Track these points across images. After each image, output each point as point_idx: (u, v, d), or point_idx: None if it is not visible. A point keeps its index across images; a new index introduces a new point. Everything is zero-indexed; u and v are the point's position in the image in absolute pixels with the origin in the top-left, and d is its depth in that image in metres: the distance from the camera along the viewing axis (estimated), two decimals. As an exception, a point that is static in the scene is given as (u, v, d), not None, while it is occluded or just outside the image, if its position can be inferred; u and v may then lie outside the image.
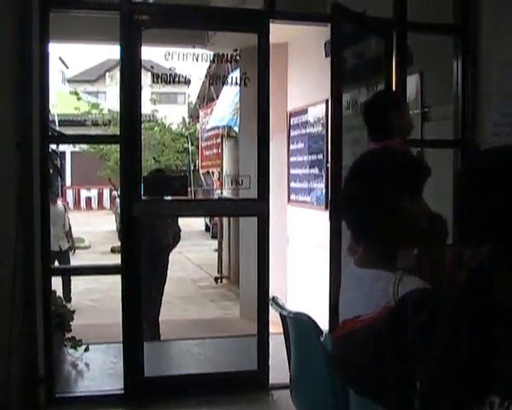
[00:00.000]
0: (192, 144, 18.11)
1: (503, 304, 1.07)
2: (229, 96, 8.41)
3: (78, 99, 19.63)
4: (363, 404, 1.68)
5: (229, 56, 4.48)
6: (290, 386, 2.37)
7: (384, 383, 1.21)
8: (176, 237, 6.15)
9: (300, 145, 6.85)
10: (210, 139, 11.47)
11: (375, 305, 1.51)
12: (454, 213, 1.17)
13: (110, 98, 19.31)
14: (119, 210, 5.22)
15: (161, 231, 5.82)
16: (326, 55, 5.29)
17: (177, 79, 4.48)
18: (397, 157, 1.99)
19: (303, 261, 6.66)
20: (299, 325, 2.20)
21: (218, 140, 10.68)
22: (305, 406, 2.30)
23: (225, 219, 10.04)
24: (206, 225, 17.57)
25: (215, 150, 11.04)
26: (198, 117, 14.24)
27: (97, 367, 4.84)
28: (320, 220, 5.55)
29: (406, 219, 1.84)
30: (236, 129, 8.85)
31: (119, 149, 4.24)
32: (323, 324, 2.08)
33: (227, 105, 8.71)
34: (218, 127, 10.24)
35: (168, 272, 6.13)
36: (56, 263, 7.34)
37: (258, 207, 4.38)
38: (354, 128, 5.76)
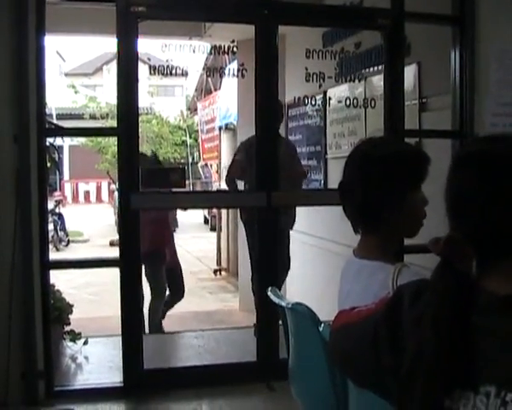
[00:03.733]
0: (190, 137, 18.12)
1: (488, 293, 1.08)
2: (233, 90, 8.30)
3: (76, 92, 19.62)
4: (362, 394, 1.68)
5: (226, 48, 4.47)
6: (289, 377, 2.37)
7: (381, 375, 1.21)
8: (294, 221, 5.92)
9: (298, 137, 6.84)
10: (210, 132, 11.47)
11: (373, 296, 1.50)
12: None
13: (107, 91, 19.26)
14: (117, 203, 5.20)
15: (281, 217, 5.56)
16: (324, 47, 5.28)
17: (174, 71, 4.46)
18: (396, 146, 1.98)
19: (302, 253, 6.66)
20: (297, 316, 2.19)
21: (217, 132, 10.68)
22: (304, 396, 2.30)
23: (224, 212, 10.03)
24: (205, 218, 17.56)
25: (215, 142, 11.04)
26: (196, 109, 14.23)
27: (96, 360, 4.84)
28: (318, 212, 5.55)
29: (406, 209, 1.83)
30: (235, 121, 8.82)
31: (116, 142, 4.24)
32: (322, 314, 2.07)
33: (231, 99, 8.60)
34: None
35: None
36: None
37: (257, 198, 4.37)
38: (351, 119, 5.77)
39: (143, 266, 5.49)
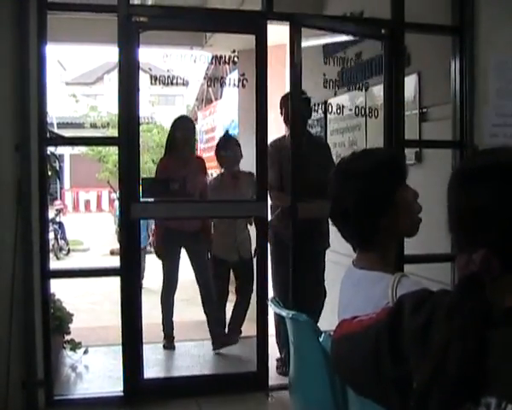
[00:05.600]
0: (190, 146, 18.06)
1: (497, 306, 1.07)
2: (234, 100, 8.28)
3: (77, 101, 19.62)
4: (362, 404, 1.68)
5: (227, 58, 4.48)
6: (289, 386, 2.37)
7: (383, 385, 1.21)
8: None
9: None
10: (209, 141, 11.46)
11: (374, 307, 1.51)
12: (448, 217, 1.17)
13: (108, 100, 19.27)
14: (117, 212, 5.19)
15: (317, 235, 5.19)
16: (324, 57, 5.30)
17: (175, 81, 4.47)
18: (376, 155, 2.00)
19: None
20: (297, 326, 2.19)
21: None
22: (304, 406, 2.30)
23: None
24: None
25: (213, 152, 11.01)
26: (196, 119, 14.24)
27: (96, 370, 4.84)
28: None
29: (398, 208, 1.84)
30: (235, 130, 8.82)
31: (117, 152, 4.25)
32: (322, 324, 2.07)
33: (234, 110, 8.56)
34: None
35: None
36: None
37: (257, 209, 4.38)
38: (351, 129, 5.77)
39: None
